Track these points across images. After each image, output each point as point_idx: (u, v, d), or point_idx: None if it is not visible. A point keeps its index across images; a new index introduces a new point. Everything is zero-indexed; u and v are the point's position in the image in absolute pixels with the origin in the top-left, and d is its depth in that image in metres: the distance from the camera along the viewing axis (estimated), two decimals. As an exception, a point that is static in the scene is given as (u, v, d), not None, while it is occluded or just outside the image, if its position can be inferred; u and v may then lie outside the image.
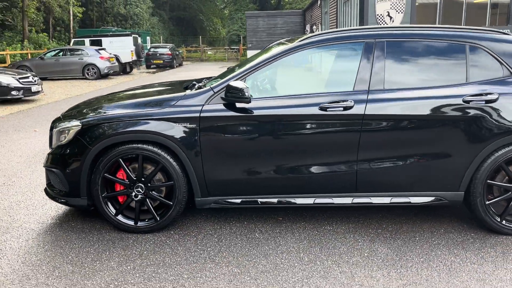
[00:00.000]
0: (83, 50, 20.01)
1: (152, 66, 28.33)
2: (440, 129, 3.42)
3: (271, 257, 3.27)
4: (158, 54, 28.09)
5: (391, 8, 11.69)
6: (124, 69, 23.39)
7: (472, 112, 3.38)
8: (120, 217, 3.66)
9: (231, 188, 3.62)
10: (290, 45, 3.67)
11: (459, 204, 3.62)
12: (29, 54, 23.36)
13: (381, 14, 11.89)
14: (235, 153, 3.52)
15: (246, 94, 3.33)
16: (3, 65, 20.55)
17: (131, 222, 3.66)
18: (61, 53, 19.97)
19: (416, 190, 3.56)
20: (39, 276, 3.02)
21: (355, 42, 3.63)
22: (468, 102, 3.39)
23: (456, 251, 3.32)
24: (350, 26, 13.38)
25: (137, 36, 25.24)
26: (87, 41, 23.36)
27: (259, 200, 3.63)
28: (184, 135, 3.48)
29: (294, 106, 3.49)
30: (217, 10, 62.21)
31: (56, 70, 19.37)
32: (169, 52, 28.17)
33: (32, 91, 12.28)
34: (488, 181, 3.48)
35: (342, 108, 3.43)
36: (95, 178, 3.57)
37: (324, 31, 3.81)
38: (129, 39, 23.72)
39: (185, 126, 3.48)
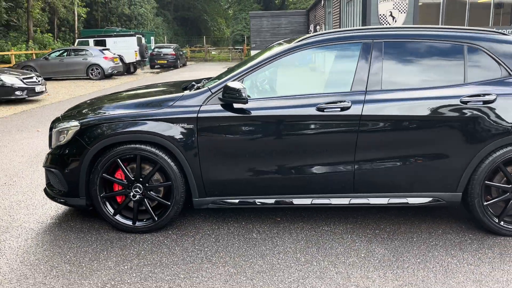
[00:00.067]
0: (87, 50, 20.09)
1: (156, 66, 28.39)
2: (437, 130, 3.41)
3: (267, 257, 3.28)
4: (162, 54, 28.14)
5: (393, 8, 11.66)
6: (128, 69, 23.47)
7: (470, 112, 3.37)
8: (118, 217, 3.68)
9: (229, 188, 3.63)
10: (288, 46, 3.67)
11: (457, 205, 3.62)
12: (33, 55, 23.47)
13: (383, 14, 11.86)
14: (233, 153, 3.53)
15: (243, 94, 3.34)
16: (8, 65, 20.68)
17: (129, 222, 3.68)
18: (65, 54, 20.07)
19: (414, 190, 3.55)
20: (37, 276, 3.04)
21: (353, 42, 3.63)
22: (465, 102, 3.38)
23: (453, 252, 3.31)
24: (353, 26, 13.36)
25: (141, 36, 25.29)
26: (91, 41, 23.45)
27: (257, 200, 3.64)
28: (181, 135, 3.50)
29: (291, 107, 3.49)
30: (221, 10, 62.28)
31: (61, 70, 19.47)
32: (173, 52, 28.22)
33: (36, 91, 12.35)
34: (486, 182, 3.47)
35: (339, 109, 3.43)
36: (94, 178, 3.59)
37: (321, 32, 3.81)
38: (133, 40, 23.78)
39: (182, 127, 3.50)
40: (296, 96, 3.56)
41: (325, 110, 3.43)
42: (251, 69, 3.62)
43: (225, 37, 56.96)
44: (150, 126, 3.51)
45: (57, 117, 4.01)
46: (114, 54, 20.75)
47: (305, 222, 3.88)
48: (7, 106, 11.63)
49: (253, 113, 3.48)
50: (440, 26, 3.87)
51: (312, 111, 3.45)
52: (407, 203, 3.57)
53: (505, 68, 3.49)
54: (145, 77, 22.13)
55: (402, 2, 11.62)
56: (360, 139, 3.44)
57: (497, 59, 3.50)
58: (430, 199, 3.55)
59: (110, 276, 3.03)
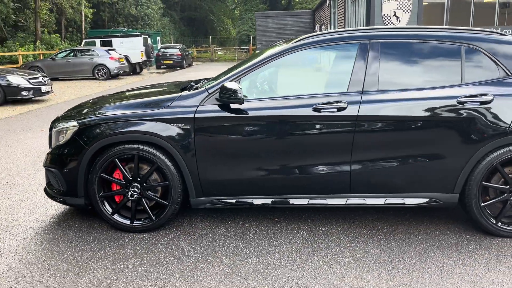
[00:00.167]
0: (94, 50, 20.23)
1: (162, 67, 28.51)
2: (434, 130, 3.41)
3: (263, 257, 3.29)
4: (168, 55, 28.26)
5: (397, 8, 11.61)
6: (134, 69, 23.60)
7: (467, 113, 3.36)
8: (116, 216, 3.71)
9: (226, 188, 3.65)
10: (285, 46, 3.69)
11: (454, 206, 3.60)
12: (41, 55, 23.67)
13: (387, 14, 11.82)
14: (229, 153, 3.55)
15: (239, 95, 3.36)
16: (15, 65, 20.88)
17: (127, 222, 3.71)
18: (72, 54, 20.23)
19: (410, 191, 3.55)
20: (34, 274, 3.08)
21: (350, 43, 3.63)
22: (462, 103, 3.37)
23: (449, 253, 3.30)
24: (357, 26, 13.33)
25: (147, 36, 25.42)
26: (97, 41, 23.62)
27: (254, 200, 3.65)
28: (179, 135, 3.52)
29: (288, 107, 3.50)
30: (228, 11, 62.35)
31: (67, 70, 19.62)
32: (179, 53, 28.32)
33: (42, 91, 12.46)
34: (483, 182, 3.46)
35: (335, 109, 3.43)
36: (92, 177, 3.63)
37: (319, 32, 3.82)
38: (139, 40, 23.91)
39: (179, 127, 3.52)
40: (292, 96, 3.57)
41: (321, 111, 3.44)
42: (248, 69, 3.64)
43: (231, 37, 57.05)
44: (148, 126, 3.53)
45: (57, 117, 4.06)
46: (120, 54, 20.88)
47: (302, 222, 3.89)
48: (14, 106, 11.74)
49: (250, 113, 3.50)
50: (437, 26, 3.86)
51: (309, 111, 3.46)
52: (404, 203, 3.56)
53: (503, 69, 3.47)
54: (151, 77, 22.23)
55: (406, 2, 11.58)
56: (356, 140, 3.44)
57: (494, 60, 3.48)
58: (427, 199, 3.54)
59: (106, 275, 3.06)
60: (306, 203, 3.62)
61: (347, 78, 3.54)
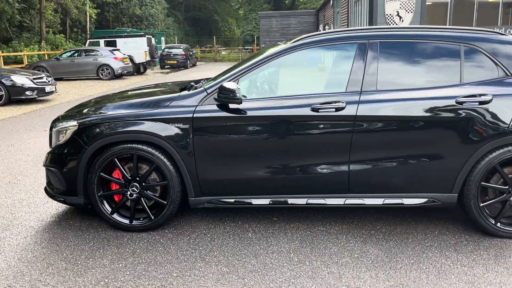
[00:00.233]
0: (98, 51, 20.29)
1: (166, 67, 28.56)
2: (432, 130, 3.40)
3: (261, 257, 3.30)
4: (172, 55, 28.30)
5: (400, 7, 11.58)
6: (138, 69, 23.64)
7: (465, 113, 3.35)
8: (115, 216, 3.73)
9: (224, 188, 3.65)
10: (284, 46, 3.69)
11: (452, 206, 3.59)
12: (46, 55, 23.79)
13: (390, 14, 11.78)
14: (228, 153, 3.56)
15: (238, 95, 3.36)
16: (20, 65, 21.00)
17: (127, 221, 3.73)
18: (76, 54, 20.30)
19: (409, 191, 3.54)
20: (33, 273, 3.10)
21: (349, 43, 3.63)
22: (461, 103, 3.36)
23: (447, 253, 3.29)
24: (360, 26, 13.29)
25: (151, 36, 25.48)
26: (102, 42, 23.68)
27: (252, 200, 3.65)
28: (177, 135, 3.53)
29: (286, 107, 3.51)
30: (232, 11, 62.40)
31: (72, 70, 19.69)
32: (183, 53, 28.37)
33: (46, 91, 12.51)
34: (482, 183, 3.44)
35: (334, 109, 3.43)
36: (91, 177, 3.65)
37: (318, 32, 3.82)
38: (143, 40, 23.96)
39: (178, 127, 3.53)
40: (291, 96, 3.57)
41: (319, 111, 3.44)
42: (247, 69, 3.64)
43: (236, 37, 57.09)
44: (146, 126, 3.55)
45: (57, 117, 4.08)
46: (124, 54, 20.93)
47: (301, 222, 3.89)
48: (18, 106, 11.81)
49: (248, 113, 3.50)
50: (437, 26, 3.85)
51: (307, 111, 3.46)
52: (402, 203, 3.56)
53: (502, 68, 3.46)
54: (154, 77, 22.28)
55: (409, 2, 11.54)
56: (354, 140, 3.44)
57: (494, 59, 3.47)
58: (426, 199, 3.53)
59: (104, 274, 3.07)
60: (305, 203, 3.62)
61: (345, 78, 3.53)
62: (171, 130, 3.53)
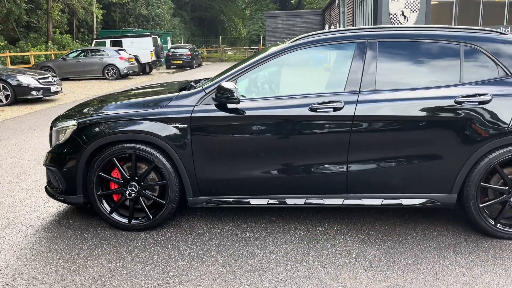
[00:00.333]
0: (104, 51, 20.40)
1: (172, 67, 28.64)
2: (431, 131, 3.37)
3: (258, 256, 3.29)
4: (177, 55, 28.37)
5: (405, 7, 11.51)
6: (144, 69, 23.73)
7: (465, 113, 3.32)
8: (114, 215, 3.74)
9: (223, 187, 3.66)
10: (282, 46, 3.68)
11: (452, 207, 3.57)
12: (52, 55, 23.95)
13: (395, 13, 11.72)
14: (226, 153, 3.56)
15: (235, 95, 3.36)
16: (27, 65, 21.15)
17: (125, 220, 3.74)
18: (82, 54, 20.42)
19: (408, 192, 3.52)
20: (31, 271, 3.12)
21: (347, 42, 3.61)
22: (460, 103, 3.34)
23: (446, 254, 3.27)
24: (365, 26, 13.23)
25: (156, 36, 25.56)
26: (108, 42, 23.81)
27: (251, 200, 3.65)
28: (175, 135, 3.54)
29: (284, 107, 3.50)
30: (238, 11, 62.46)
31: (78, 70, 19.81)
32: (189, 53, 28.43)
33: (52, 91, 12.61)
34: (481, 183, 3.42)
35: (332, 109, 3.42)
36: (90, 176, 3.66)
37: (316, 32, 3.81)
38: (149, 40, 24.06)
39: (176, 127, 3.54)
40: (289, 96, 3.56)
41: (318, 110, 3.43)
42: (245, 69, 3.64)
43: (242, 37, 57.13)
44: (145, 126, 3.56)
45: (57, 117, 4.11)
46: (129, 54, 21.02)
47: (300, 222, 3.89)
48: (24, 105, 11.90)
49: (246, 113, 3.50)
50: (436, 25, 3.82)
51: (305, 111, 3.45)
52: (401, 204, 3.53)
53: (502, 68, 3.43)
54: (160, 77, 22.35)
55: (414, 1, 11.47)
56: (353, 140, 3.43)
57: (494, 59, 3.44)
58: (425, 200, 3.51)
59: (101, 273, 3.09)
60: (303, 203, 3.61)
61: (344, 78, 3.52)
62: (170, 129, 3.54)
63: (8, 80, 11.75)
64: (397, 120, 3.39)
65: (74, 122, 3.73)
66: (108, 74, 19.81)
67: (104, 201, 3.75)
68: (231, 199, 3.67)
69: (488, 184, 3.46)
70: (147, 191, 3.71)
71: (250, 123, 3.52)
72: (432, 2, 11.87)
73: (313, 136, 3.48)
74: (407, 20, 11.70)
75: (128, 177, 3.68)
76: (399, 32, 3.62)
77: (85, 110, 3.93)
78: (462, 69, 3.44)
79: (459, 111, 3.34)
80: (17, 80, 11.87)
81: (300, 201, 3.61)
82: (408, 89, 3.45)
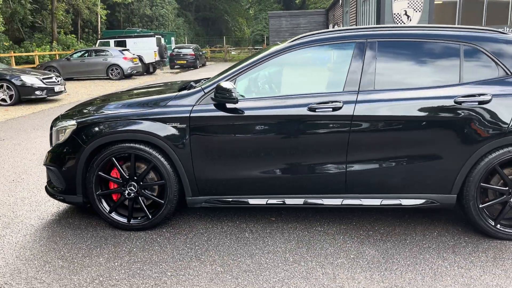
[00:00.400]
0: (107, 51, 20.47)
1: (175, 67, 28.65)
2: (431, 131, 3.36)
3: (256, 257, 3.29)
4: (181, 55, 28.38)
5: (408, 6, 11.47)
6: (148, 69, 23.79)
7: (464, 113, 3.30)
8: (113, 215, 3.75)
9: (221, 187, 3.65)
10: (281, 46, 3.68)
11: (451, 207, 3.55)
12: (57, 55, 24.05)
13: (398, 13, 11.68)
14: (224, 153, 3.56)
15: (234, 94, 3.36)
16: (32, 65, 21.25)
17: (124, 220, 3.74)
18: (86, 54, 20.50)
19: (407, 192, 3.51)
20: (30, 270, 3.13)
21: (346, 42, 3.60)
22: (460, 103, 3.32)
23: (445, 255, 3.25)
24: (368, 25, 13.19)
25: (160, 37, 25.59)
26: (112, 42, 23.87)
27: (249, 200, 3.65)
28: (174, 135, 3.54)
29: (283, 107, 3.49)
30: (242, 11, 62.44)
31: (82, 70, 19.89)
32: (193, 53, 28.43)
33: (55, 91, 12.67)
34: (481, 184, 3.40)
35: (331, 109, 3.41)
36: (90, 176, 3.67)
37: (316, 31, 3.80)
38: (152, 40, 24.08)
39: (175, 126, 3.54)
40: (288, 96, 3.56)
41: (316, 110, 3.42)
42: (244, 69, 3.64)
43: (246, 37, 57.12)
44: (144, 126, 3.56)
45: (57, 116, 4.12)
46: (133, 54, 21.07)
47: (299, 222, 3.88)
48: (28, 105, 11.95)
49: (246, 113, 3.50)
50: (436, 25, 3.80)
51: (304, 111, 3.44)
52: (400, 204, 3.52)
53: (503, 68, 3.40)
54: (164, 77, 22.38)
55: (417, 1, 11.42)
56: (352, 140, 3.41)
57: (494, 59, 3.42)
58: (424, 200, 3.49)
59: (99, 272, 3.09)
60: (302, 203, 3.60)
61: (343, 78, 3.51)
62: (168, 129, 3.54)
63: (12, 80, 11.82)
64: (396, 120, 3.37)
65: (73, 122, 3.74)
66: (112, 74, 19.86)
67: (103, 201, 3.76)
68: (230, 199, 3.67)
69: (488, 184, 3.43)
70: (146, 191, 3.72)
71: (249, 123, 3.52)
72: (435, 2, 11.82)
73: (312, 136, 3.48)
74: (410, 20, 11.65)
75: (127, 177, 3.68)
76: (398, 31, 3.61)
77: (85, 110, 3.94)
78: (462, 68, 3.42)
79: (459, 111, 3.32)
80: (21, 80, 11.94)
81: (299, 201, 3.61)
82: (407, 89, 3.43)
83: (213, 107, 3.53)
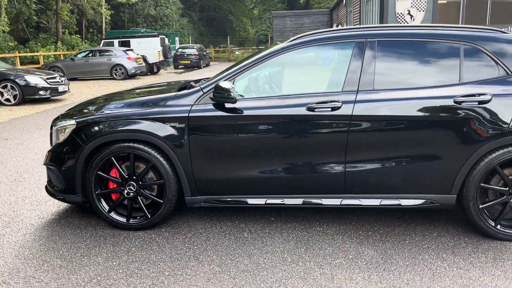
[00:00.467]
0: (112, 51, 20.52)
1: (179, 67, 28.70)
2: (430, 130, 3.34)
3: (254, 256, 3.28)
4: (185, 55, 28.43)
5: (411, 6, 11.42)
6: (152, 69, 23.83)
7: (464, 113, 3.28)
8: (113, 214, 3.76)
9: (220, 187, 3.65)
10: (281, 45, 3.67)
11: (451, 208, 3.52)
12: (61, 55, 24.15)
13: (401, 13, 11.64)
14: (223, 153, 3.55)
15: (232, 94, 3.36)
16: (37, 65, 21.36)
17: (124, 219, 3.75)
18: (90, 54, 20.56)
19: (406, 192, 3.49)
20: (28, 270, 3.14)
21: (346, 42, 3.59)
22: (459, 103, 3.29)
23: (444, 256, 3.23)
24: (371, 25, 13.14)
25: (164, 37, 25.64)
26: (116, 42, 23.94)
27: (248, 199, 3.64)
28: (173, 134, 3.54)
29: (282, 107, 3.48)
30: (247, 11, 62.47)
31: (86, 70, 19.95)
32: (196, 53, 28.47)
33: (59, 91, 12.71)
34: (481, 184, 3.37)
35: (330, 109, 3.40)
36: (89, 175, 3.68)
37: (315, 31, 3.79)
38: (156, 40, 24.13)
39: (174, 126, 3.54)
40: (287, 95, 3.55)
41: (315, 110, 3.41)
42: (243, 68, 3.64)
43: (250, 37, 57.12)
44: (143, 125, 3.56)
45: (57, 116, 4.13)
46: (137, 54, 21.11)
47: (298, 222, 3.87)
48: (31, 105, 12.00)
49: (244, 112, 3.49)
50: (436, 24, 3.78)
51: (303, 111, 3.43)
52: (400, 204, 3.50)
53: (503, 67, 3.38)
54: (168, 77, 22.42)
55: (420, 0, 11.37)
56: (350, 140, 3.40)
57: (494, 58, 3.39)
58: (423, 201, 3.47)
59: (97, 272, 3.10)
60: (301, 203, 3.59)
61: (342, 77, 3.50)
62: (167, 129, 3.54)
63: (16, 80, 11.87)
64: (396, 120, 3.36)
65: (73, 122, 3.75)
66: (116, 74, 19.91)
67: (102, 200, 3.77)
68: (229, 199, 3.66)
69: (488, 185, 3.41)
70: (145, 191, 3.72)
71: (248, 123, 3.51)
72: (439, 1, 11.77)
73: (310, 136, 3.46)
74: (414, 20, 11.61)
75: (127, 177, 3.69)
76: (398, 31, 3.59)
77: (84, 110, 3.95)
78: (461, 68, 3.40)
79: (458, 111, 3.30)
80: (25, 80, 11.99)
81: (298, 201, 3.60)
82: (407, 88, 3.41)
83: (212, 107, 3.53)
